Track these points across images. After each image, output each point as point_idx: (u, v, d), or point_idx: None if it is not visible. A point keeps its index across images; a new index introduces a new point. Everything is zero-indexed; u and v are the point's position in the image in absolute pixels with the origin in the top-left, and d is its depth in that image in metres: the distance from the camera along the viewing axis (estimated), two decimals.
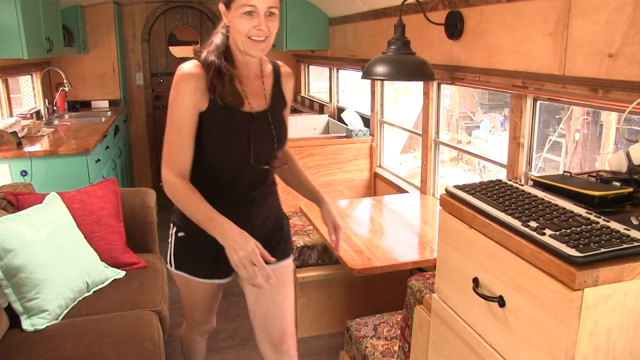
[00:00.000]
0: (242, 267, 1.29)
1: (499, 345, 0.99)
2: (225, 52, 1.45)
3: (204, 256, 1.59)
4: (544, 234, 0.86)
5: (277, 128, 1.54)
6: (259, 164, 1.51)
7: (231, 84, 1.43)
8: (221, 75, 1.41)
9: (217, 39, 1.47)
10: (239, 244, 1.30)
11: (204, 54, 1.45)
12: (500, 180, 1.16)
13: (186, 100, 1.40)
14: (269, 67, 1.58)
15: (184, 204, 1.43)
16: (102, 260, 2.33)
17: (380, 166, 3.74)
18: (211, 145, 1.46)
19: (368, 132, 3.71)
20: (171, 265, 1.66)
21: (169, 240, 1.65)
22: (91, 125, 3.97)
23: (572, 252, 0.79)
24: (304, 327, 2.76)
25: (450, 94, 6.42)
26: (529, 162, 2.09)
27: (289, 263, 1.72)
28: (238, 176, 1.53)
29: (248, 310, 1.74)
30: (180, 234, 1.61)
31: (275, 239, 1.65)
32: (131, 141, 5.45)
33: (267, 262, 1.33)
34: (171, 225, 1.64)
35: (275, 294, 1.67)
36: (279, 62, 1.63)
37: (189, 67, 1.42)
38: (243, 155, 1.49)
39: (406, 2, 2.28)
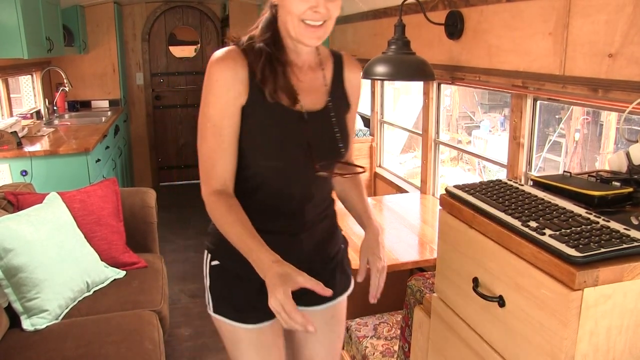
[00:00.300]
0: (276, 313, 1.01)
1: (499, 345, 0.99)
2: (275, 36, 1.17)
3: (246, 291, 1.23)
4: (543, 234, 0.86)
5: (339, 131, 1.23)
6: (316, 176, 1.20)
7: (285, 78, 1.15)
8: (274, 65, 1.13)
9: (263, 20, 1.19)
10: (271, 286, 1.00)
11: (244, 39, 1.17)
12: (500, 180, 1.15)
13: (224, 93, 1.12)
14: (328, 57, 1.29)
15: (222, 228, 1.14)
16: (102, 260, 2.33)
17: (380, 166, 3.74)
18: (251, 151, 1.17)
19: (368, 132, 3.71)
20: (209, 308, 1.30)
21: (204, 271, 1.31)
22: (91, 125, 3.97)
23: (572, 252, 0.80)
24: None
25: (450, 94, 6.42)
26: (529, 162, 2.09)
27: (345, 298, 1.41)
28: (286, 193, 1.21)
29: (294, 348, 1.46)
30: (215, 263, 1.28)
31: (327, 269, 1.33)
32: (131, 141, 5.46)
33: (323, 298, 1.09)
34: (205, 252, 1.31)
35: (329, 332, 1.39)
36: (343, 52, 1.33)
37: (223, 52, 1.15)
38: (292, 165, 1.19)
39: (406, 2, 2.28)
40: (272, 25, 1.17)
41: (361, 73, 1.35)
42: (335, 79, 1.27)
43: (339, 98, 1.27)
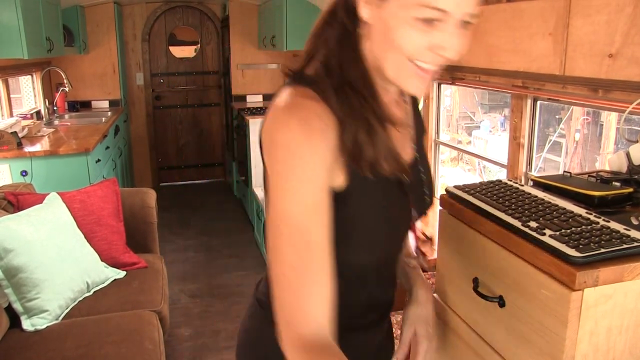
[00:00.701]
0: None
1: (499, 345, 0.98)
2: (362, 71, 0.78)
3: None
4: (544, 234, 0.86)
5: (429, 184, 0.94)
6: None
7: (387, 138, 0.78)
8: (369, 122, 0.75)
9: (334, 40, 0.78)
10: None
11: (313, 71, 0.78)
12: (500, 181, 1.15)
13: (313, 177, 0.70)
14: None
15: None
16: (102, 260, 2.33)
17: None
18: (350, 248, 0.79)
19: None
20: None
21: None
22: (91, 125, 3.97)
23: (572, 252, 0.79)
24: None
25: (451, 94, 6.42)
26: (529, 162, 2.09)
27: None
28: (385, 281, 0.92)
29: None
30: None
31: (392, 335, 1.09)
32: (131, 141, 5.46)
33: None
34: None
35: None
36: None
37: (302, 108, 0.72)
38: (399, 249, 0.91)
39: None
40: (356, 51, 0.77)
41: None
42: (413, 106, 0.95)
43: (421, 131, 0.94)
